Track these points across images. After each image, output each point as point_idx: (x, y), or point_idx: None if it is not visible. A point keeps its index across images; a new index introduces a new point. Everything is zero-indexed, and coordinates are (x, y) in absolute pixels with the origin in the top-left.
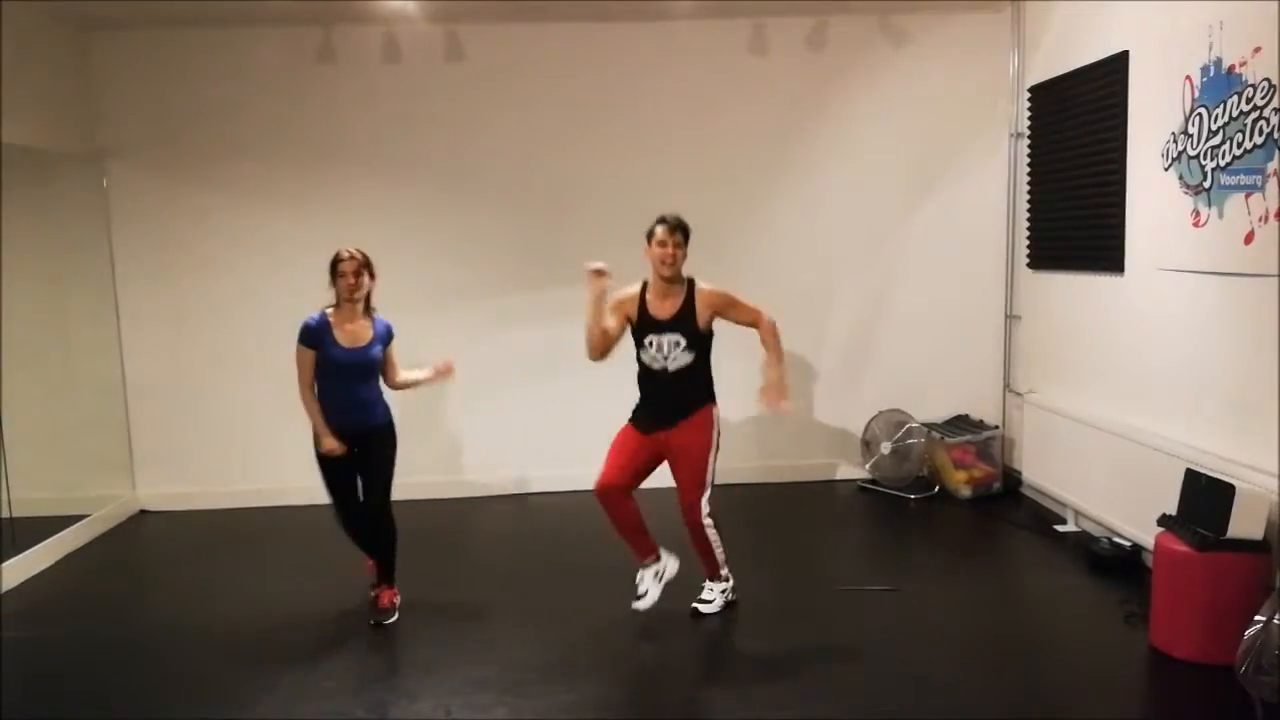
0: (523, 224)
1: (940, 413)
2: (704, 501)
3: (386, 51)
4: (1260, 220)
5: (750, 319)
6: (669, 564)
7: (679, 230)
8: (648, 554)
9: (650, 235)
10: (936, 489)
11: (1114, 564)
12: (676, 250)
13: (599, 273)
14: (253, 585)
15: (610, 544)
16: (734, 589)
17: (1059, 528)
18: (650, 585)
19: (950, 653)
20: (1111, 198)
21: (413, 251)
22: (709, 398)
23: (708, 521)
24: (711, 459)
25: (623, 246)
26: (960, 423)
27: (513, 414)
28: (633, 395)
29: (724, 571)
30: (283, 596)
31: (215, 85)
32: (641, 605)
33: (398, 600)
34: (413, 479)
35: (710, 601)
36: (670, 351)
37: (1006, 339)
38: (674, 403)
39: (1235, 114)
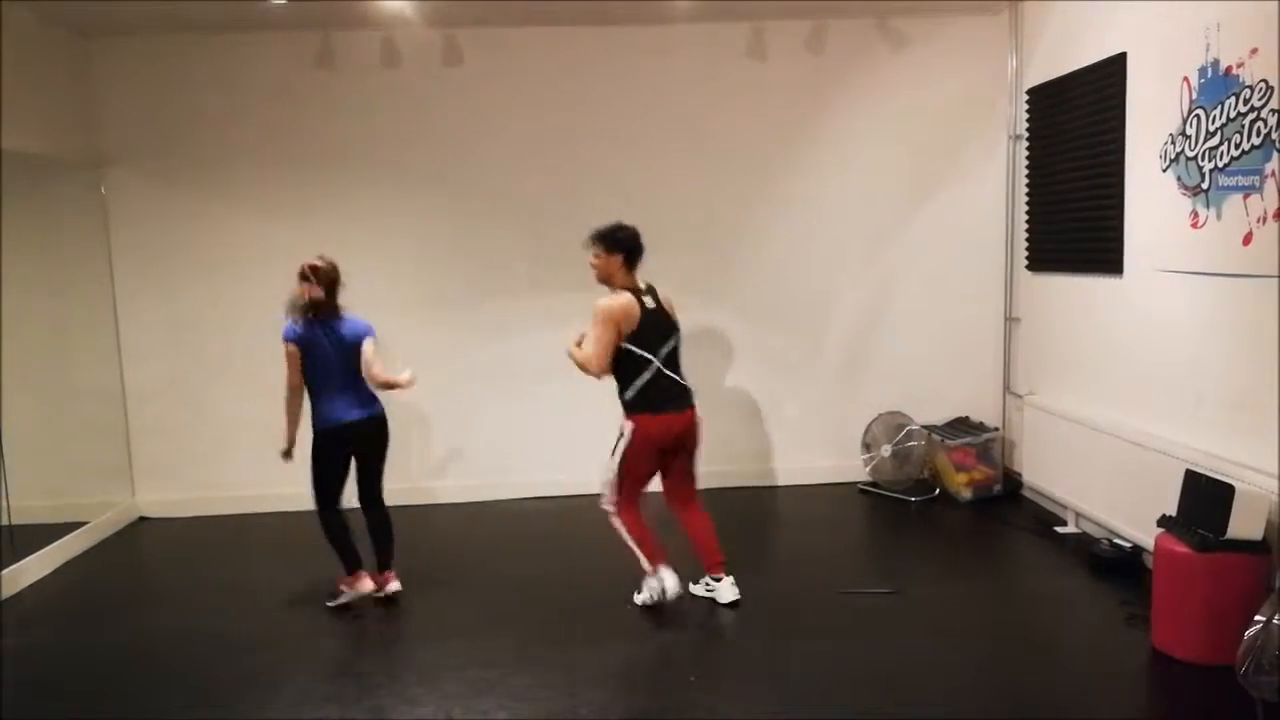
0: (523, 228)
1: (940, 415)
2: (608, 492)
3: (385, 56)
4: (1259, 221)
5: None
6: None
7: (595, 242)
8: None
9: None
10: (937, 491)
11: (1115, 565)
12: (592, 260)
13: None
14: (252, 591)
15: (610, 549)
16: (657, 594)
17: (1059, 529)
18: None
19: (951, 655)
20: (1110, 199)
21: (412, 255)
22: (623, 407)
23: (609, 509)
24: (617, 459)
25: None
26: (960, 425)
27: (514, 420)
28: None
29: (645, 567)
30: (283, 602)
31: (214, 91)
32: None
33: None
34: (411, 485)
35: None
36: None
37: (1006, 341)
38: None
39: (1233, 115)
